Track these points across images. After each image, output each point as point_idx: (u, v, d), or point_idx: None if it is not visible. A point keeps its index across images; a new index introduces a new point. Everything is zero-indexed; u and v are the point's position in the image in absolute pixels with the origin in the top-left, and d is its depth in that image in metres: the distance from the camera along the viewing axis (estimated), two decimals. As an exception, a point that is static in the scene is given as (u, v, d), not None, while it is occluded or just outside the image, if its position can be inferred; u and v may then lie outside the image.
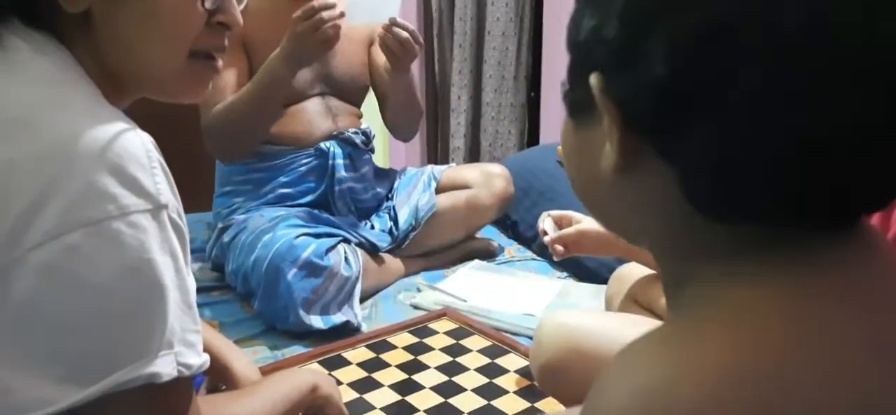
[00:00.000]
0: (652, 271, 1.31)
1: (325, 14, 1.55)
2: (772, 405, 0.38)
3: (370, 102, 2.02)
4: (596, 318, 1.16)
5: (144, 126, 0.68)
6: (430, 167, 2.08)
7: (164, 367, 0.65)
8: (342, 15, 1.59)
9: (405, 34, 1.68)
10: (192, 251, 1.81)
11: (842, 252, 0.43)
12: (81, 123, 0.64)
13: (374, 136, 1.97)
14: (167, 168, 0.68)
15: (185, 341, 0.68)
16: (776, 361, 0.39)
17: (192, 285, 0.70)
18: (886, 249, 0.46)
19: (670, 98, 0.41)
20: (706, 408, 0.38)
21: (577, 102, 0.49)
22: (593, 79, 0.45)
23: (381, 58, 1.89)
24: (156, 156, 0.67)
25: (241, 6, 0.81)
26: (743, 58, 0.39)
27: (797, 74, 0.38)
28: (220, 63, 0.79)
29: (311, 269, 1.60)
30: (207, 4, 0.74)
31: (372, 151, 1.96)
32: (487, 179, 2.00)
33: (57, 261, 0.61)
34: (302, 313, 1.57)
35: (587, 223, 1.34)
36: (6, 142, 0.62)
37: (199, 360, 0.70)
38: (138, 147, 0.65)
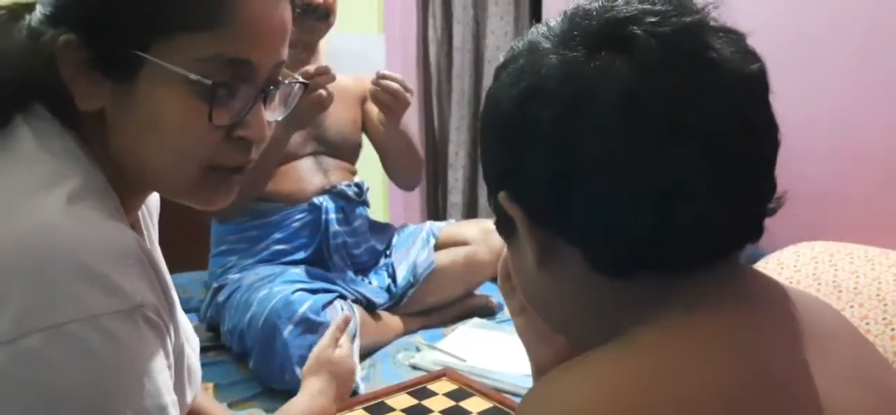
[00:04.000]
0: None
1: (321, 79, 1.60)
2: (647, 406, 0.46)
3: (364, 158, 2.03)
4: None
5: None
6: (428, 224, 2.07)
7: None
8: (334, 78, 1.63)
9: (395, 85, 1.72)
10: (189, 311, 1.79)
11: (718, 282, 0.53)
12: (52, 220, 0.59)
13: (367, 189, 1.98)
14: (148, 266, 0.63)
15: None
16: (659, 379, 0.48)
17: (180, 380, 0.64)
18: (751, 274, 0.57)
19: (551, 182, 0.52)
20: None
21: (502, 224, 0.59)
22: (501, 196, 0.56)
23: (374, 111, 1.92)
24: (135, 253, 0.61)
25: (276, 117, 0.75)
26: (586, 135, 0.50)
27: (621, 144, 0.49)
28: (241, 176, 0.73)
29: (308, 325, 1.58)
30: (217, 121, 0.66)
31: (365, 204, 1.97)
32: (486, 236, 1.99)
33: (11, 367, 0.55)
34: (298, 371, 1.54)
35: None
36: None
37: None
38: (112, 245, 0.60)
